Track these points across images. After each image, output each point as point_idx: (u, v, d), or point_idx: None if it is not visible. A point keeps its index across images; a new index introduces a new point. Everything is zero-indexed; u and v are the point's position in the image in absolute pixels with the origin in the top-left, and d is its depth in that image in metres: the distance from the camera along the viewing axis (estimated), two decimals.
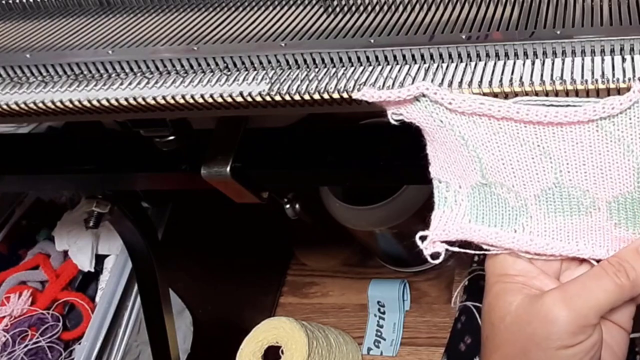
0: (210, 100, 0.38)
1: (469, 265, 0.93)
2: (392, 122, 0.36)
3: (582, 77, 0.33)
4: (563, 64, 0.34)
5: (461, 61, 0.36)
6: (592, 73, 0.33)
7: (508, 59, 0.35)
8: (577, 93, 0.33)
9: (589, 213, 0.35)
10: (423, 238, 0.38)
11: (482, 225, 0.37)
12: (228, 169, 0.48)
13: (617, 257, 0.36)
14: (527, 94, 0.33)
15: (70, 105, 0.40)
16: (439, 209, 0.38)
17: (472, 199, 0.37)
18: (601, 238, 0.36)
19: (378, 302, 0.99)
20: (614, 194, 0.34)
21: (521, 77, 0.34)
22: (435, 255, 0.38)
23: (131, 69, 0.41)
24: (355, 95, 0.35)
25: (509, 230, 0.37)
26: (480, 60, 0.36)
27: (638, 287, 0.35)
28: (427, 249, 0.38)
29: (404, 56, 0.37)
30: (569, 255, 0.37)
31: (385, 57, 0.37)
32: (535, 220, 0.36)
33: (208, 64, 0.40)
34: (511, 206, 0.36)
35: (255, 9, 0.45)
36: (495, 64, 0.35)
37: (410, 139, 0.39)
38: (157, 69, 0.41)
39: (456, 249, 0.38)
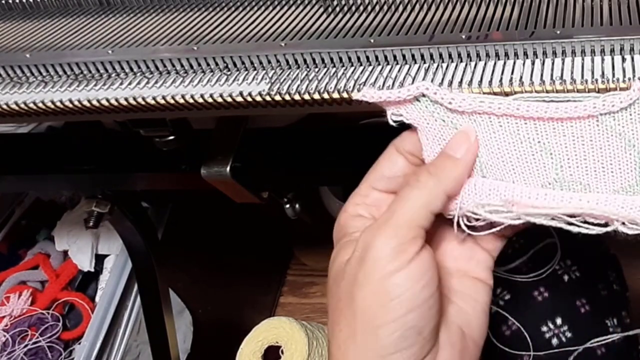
0: (210, 100, 0.38)
1: None
2: (392, 123, 0.36)
3: (582, 77, 0.33)
4: (563, 63, 0.34)
5: (461, 61, 0.36)
6: (592, 73, 0.33)
7: (508, 58, 0.35)
8: (577, 93, 0.33)
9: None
10: None
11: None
12: (228, 169, 0.48)
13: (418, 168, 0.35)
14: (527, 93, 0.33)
15: (70, 105, 0.40)
16: None
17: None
18: None
19: None
20: (615, 188, 0.34)
21: (521, 77, 0.34)
22: None
23: (131, 69, 0.41)
24: (355, 95, 0.35)
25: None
26: (480, 60, 0.36)
27: (445, 179, 0.33)
28: None
29: (403, 56, 0.37)
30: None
31: (385, 57, 0.37)
32: None
33: (208, 64, 0.40)
34: None
35: (255, 9, 0.45)
36: (495, 63, 0.35)
37: None
38: (157, 69, 0.41)
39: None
